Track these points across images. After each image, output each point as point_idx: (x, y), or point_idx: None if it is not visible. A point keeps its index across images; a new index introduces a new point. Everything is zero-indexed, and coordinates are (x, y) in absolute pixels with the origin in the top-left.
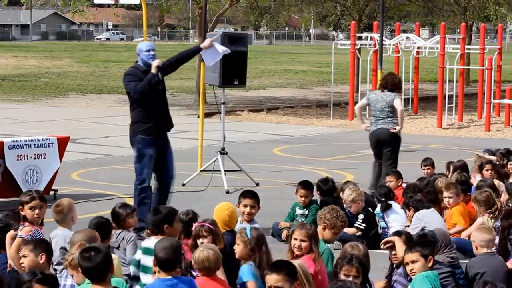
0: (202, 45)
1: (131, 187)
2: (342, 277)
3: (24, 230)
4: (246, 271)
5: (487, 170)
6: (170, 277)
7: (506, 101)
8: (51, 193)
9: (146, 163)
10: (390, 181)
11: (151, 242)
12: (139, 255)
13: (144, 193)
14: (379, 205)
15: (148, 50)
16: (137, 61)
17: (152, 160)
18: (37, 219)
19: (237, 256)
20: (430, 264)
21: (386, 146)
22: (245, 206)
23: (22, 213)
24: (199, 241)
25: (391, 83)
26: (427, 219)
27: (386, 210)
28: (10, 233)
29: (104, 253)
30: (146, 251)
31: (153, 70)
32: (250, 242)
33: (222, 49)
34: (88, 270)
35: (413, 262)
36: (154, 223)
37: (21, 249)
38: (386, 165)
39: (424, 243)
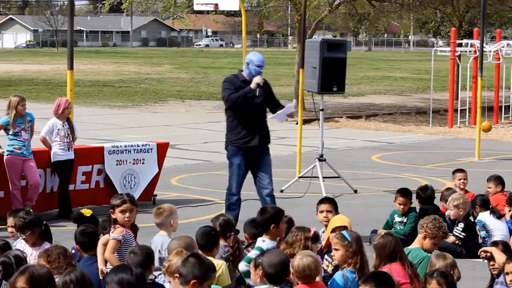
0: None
1: None
2: None
3: (116, 232)
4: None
5: None
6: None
7: None
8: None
9: (234, 171)
10: (489, 188)
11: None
12: (253, 253)
13: (231, 200)
14: (484, 213)
15: (259, 66)
16: (241, 70)
17: (240, 170)
18: (128, 222)
19: (337, 261)
20: None
21: None
22: (321, 211)
23: (113, 216)
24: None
25: None
26: None
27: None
28: (103, 238)
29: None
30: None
31: (253, 85)
32: (352, 245)
33: (280, 117)
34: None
35: None
36: (261, 222)
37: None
38: None
39: None
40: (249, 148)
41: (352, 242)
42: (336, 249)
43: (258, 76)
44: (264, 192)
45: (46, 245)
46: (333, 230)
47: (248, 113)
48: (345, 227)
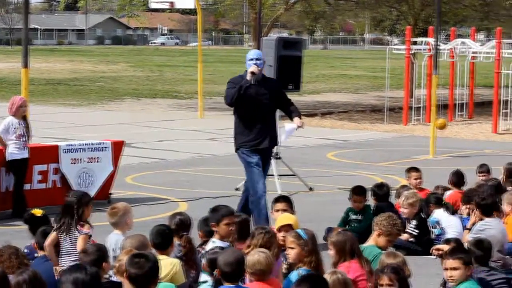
0: (294, 119)
1: (185, 191)
2: (379, 286)
3: (86, 227)
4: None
5: None
6: (233, 285)
7: None
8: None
9: (254, 172)
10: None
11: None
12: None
13: (260, 204)
14: (438, 210)
15: (251, 59)
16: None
17: (260, 168)
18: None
19: (292, 260)
20: (469, 273)
21: None
22: (277, 210)
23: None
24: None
25: None
26: (493, 228)
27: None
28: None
29: (153, 261)
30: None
31: (248, 77)
32: (307, 244)
33: (286, 134)
34: (134, 277)
35: (453, 269)
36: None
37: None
38: None
39: (480, 249)
40: (258, 151)
41: (308, 240)
42: (291, 248)
43: (253, 66)
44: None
45: None
46: (278, 230)
47: (255, 115)
48: (289, 226)
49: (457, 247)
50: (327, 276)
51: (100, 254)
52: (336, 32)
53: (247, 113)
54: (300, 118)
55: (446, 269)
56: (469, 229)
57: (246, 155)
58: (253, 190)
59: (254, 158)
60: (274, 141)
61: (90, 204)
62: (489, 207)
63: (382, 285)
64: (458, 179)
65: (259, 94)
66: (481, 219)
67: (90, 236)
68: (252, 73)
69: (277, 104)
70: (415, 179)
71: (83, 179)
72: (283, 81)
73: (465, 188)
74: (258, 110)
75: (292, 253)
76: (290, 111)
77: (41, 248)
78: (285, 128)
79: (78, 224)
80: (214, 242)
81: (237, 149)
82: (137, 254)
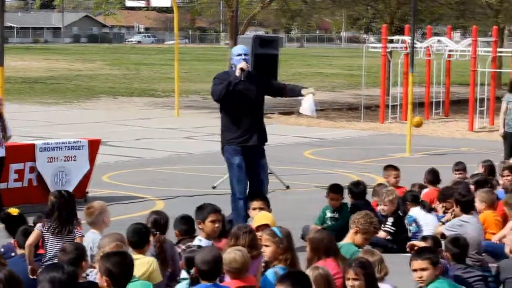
0: (303, 91)
1: (161, 189)
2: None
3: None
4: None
5: (504, 176)
6: (210, 283)
7: None
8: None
9: (235, 173)
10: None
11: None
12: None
13: (238, 206)
14: (414, 209)
15: (240, 54)
16: (231, 67)
17: (241, 170)
18: None
19: (267, 258)
20: (438, 272)
21: None
22: (254, 208)
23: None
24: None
25: None
26: (471, 224)
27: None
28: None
29: (128, 258)
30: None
31: (237, 73)
32: (282, 241)
33: (310, 106)
34: (110, 274)
35: (422, 269)
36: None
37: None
38: None
39: (457, 247)
40: (247, 148)
41: (283, 238)
42: (266, 246)
43: (242, 62)
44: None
45: None
46: (256, 229)
47: (243, 111)
48: (266, 225)
49: (424, 247)
50: (309, 272)
51: (78, 253)
52: (313, 30)
53: (235, 109)
54: None
55: (415, 270)
56: (443, 223)
57: (230, 154)
58: (232, 191)
59: (237, 159)
60: (263, 138)
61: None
62: (469, 204)
63: (348, 279)
64: (433, 177)
65: (247, 90)
66: (458, 216)
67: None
68: (242, 69)
69: (270, 93)
70: (395, 177)
71: (60, 177)
72: None
73: (441, 186)
74: (246, 106)
75: (267, 251)
76: (290, 89)
77: (21, 246)
78: (305, 102)
79: (73, 223)
80: (201, 241)
81: (222, 147)
82: (112, 252)
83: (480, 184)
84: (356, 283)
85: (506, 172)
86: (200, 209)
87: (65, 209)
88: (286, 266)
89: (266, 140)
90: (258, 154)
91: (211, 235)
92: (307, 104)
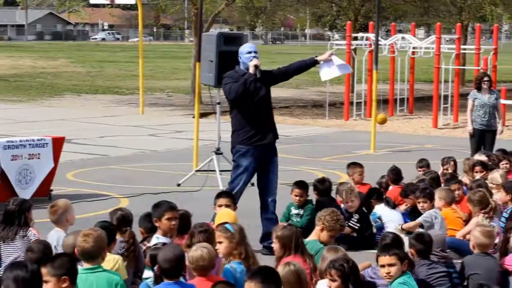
0: (319, 58)
1: (126, 187)
2: (327, 281)
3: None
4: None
5: (477, 172)
6: (173, 281)
7: (502, 101)
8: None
9: (239, 175)
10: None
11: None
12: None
13: None
14: (379, 205)
15: (249, 52)
16: (238, 65)
17: (247, 174)
18: None
19: (221, 255)
20: (405, 268)
21: None
22: (220, 205)
23: None
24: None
25: None
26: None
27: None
28: None
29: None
30: None
31: (251, 70)
32: (235, 236)
33: (340, 63)
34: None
35: (390, 265)
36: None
37: None
38: None
39: (421, 243)
40: (261, 146)
41: (235, 233)
42: (220, 242)
43: (254, 59)
44: (270, 197)
45: None
46: (217, 227)
47: (257, 108)
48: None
49: (390, 243)
50: (280, 268)
51: (45, 251)
52: (277, 28)
53: (250, 107)
54: None
55: (382, 266)
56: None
57: (241, 156)
58: (229, 186)
59: (245, 162)
60: (276, 134)
61: (31, 209)
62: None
63: (332, 280)
64: (395, 176)
65: (259, 87)
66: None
67: None
68: (256, 66)
69: (275, 82)
70: (359, 174)
71: (24, 175)
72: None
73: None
74: (259, 103)
75: (221, 247)
76: (296, 67)
77: None
78: (335, 62)
79: (22, 229)
80: (158, 238)
81: (233, 147)
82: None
83: (448, 180)
84: (336, 283)
85: (478, 168)
86: (156, 206)
87: (15, 217)
88: (241, 260)
89: (278, 137)
90: (272, 151)
91: (168, 232)
92: (338, 62)
